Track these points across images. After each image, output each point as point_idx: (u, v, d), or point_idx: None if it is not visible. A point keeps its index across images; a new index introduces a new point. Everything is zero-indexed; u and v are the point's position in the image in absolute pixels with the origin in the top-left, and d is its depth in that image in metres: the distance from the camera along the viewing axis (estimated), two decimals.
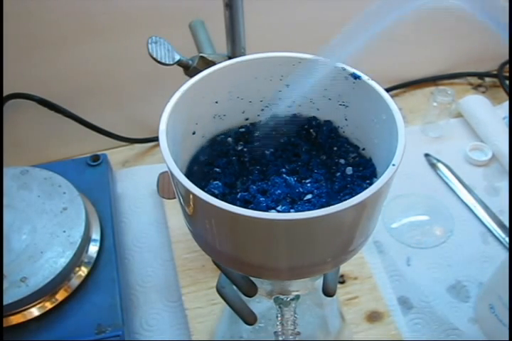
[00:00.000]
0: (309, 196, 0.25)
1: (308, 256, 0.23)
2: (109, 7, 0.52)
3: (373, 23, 0.21)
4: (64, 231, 0.46)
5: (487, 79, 0.75)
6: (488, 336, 0.48)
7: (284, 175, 0.26)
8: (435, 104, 0.63)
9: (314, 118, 0.29)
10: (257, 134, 0.29)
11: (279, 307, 0.30)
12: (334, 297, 0.31)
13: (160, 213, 0.58)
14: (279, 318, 0.30)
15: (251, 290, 0.29)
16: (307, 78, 0.24)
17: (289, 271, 0.24)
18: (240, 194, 0.25)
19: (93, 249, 0.48)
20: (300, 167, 0.27)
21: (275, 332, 0.30)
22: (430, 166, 0.62)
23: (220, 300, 0.32)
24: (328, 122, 0.28)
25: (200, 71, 0.25)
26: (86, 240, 0.47)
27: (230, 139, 0.28)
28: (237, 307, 0.32)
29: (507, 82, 0.72)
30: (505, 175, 0.61)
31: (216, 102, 0.27)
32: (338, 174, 0.27)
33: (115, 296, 0.46)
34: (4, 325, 0.43)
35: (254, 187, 0.26)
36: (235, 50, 0.43)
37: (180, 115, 0.24)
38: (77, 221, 0.47)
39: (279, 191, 0.25)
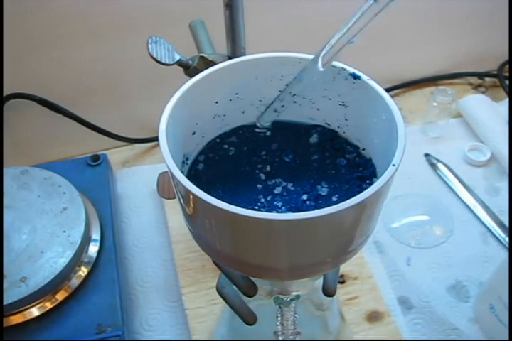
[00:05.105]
0: (307, 196, 0.25)
1: (309, 256, 0.23)
2: (109, 7, 0.52)
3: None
4: (64, 231, 0.46)
5: (487, 79, 0.75)
6: (488, 336, 0.48)
7: (283, 175, 0.26)
8: (435, 104, 0.63)
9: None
10: (255, 135, 0.29)
11: (279, 307, 0.30)
12: (334, 297, 0.31)
13: (160, 213, 0.58)
14: (279, 318, 0.30)
15: (251, 290, 0.29)
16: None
17: (289, 271, 0.24)
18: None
19: (93, 249, 0.48)
20: (299, 167, 0.27)
21: (275, 332, 0.30)
22: (430, 166, 0.62)
23: (220, 300, 0.32)
24: (327, 125, 0.29)
25: (200, 71, 0.25)
26: (86, 240, 0.47)
27: (228, 140, 0.28)
28: (237, 307, 0.32)
29: (507, 81, 0.72)
30: (505, 175, 0.61)
31: (216, 102, 0.27)
32: (338, 174, 0.27)
33: (115, 296, 0.46)
34: (4, 325, 0.43)
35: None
36: (235, 50, 0.43)
37: (180, 115, 0.24)
38: (77, 221, 0.47)
39: (278, 192, 0.25)
